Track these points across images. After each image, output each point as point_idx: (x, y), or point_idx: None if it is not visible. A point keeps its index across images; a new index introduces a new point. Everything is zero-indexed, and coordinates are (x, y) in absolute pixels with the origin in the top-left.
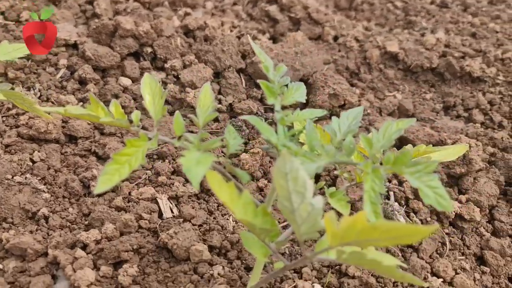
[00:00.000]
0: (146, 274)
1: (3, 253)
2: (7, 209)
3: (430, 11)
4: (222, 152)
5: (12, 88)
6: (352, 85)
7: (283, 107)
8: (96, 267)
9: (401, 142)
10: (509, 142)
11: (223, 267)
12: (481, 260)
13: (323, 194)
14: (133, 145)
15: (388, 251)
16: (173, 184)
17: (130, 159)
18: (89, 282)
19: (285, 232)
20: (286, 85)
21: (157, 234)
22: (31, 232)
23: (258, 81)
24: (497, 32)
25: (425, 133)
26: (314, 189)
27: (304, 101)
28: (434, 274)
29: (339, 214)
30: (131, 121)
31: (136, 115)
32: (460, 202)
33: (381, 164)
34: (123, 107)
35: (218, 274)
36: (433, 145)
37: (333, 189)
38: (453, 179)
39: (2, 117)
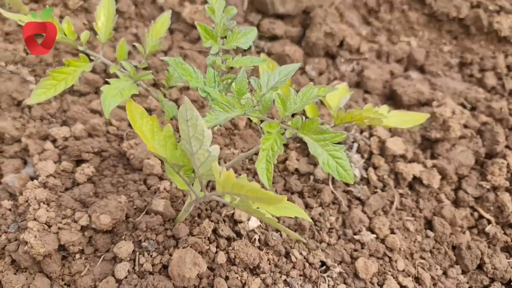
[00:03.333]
0: (103, 176)
1: None
2: None
3: None
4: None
5: None
6: (367, 23)
7: (226, 51)
8: (59, 161)
9: (391, 95)
10: (506, 114)
11: (170, 183)
12: (430, 224)
13: None
14: (73, 64)
15: (335, 198)
16: (148, 97)
17: (67, 78)
18: (48, 173)
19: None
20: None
21: (122, 140)
22: (14, 118)
23: (196, 23)
24: None
25: (415, 90)
26: (211, 137)
27: (246, 48)
28: (370, 229)
29: None
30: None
31: (84, 35)
32: (425, 166)
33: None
34: (121, 12)
35: (164, 188)
36: (420, 104)
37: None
38: (428, 142)
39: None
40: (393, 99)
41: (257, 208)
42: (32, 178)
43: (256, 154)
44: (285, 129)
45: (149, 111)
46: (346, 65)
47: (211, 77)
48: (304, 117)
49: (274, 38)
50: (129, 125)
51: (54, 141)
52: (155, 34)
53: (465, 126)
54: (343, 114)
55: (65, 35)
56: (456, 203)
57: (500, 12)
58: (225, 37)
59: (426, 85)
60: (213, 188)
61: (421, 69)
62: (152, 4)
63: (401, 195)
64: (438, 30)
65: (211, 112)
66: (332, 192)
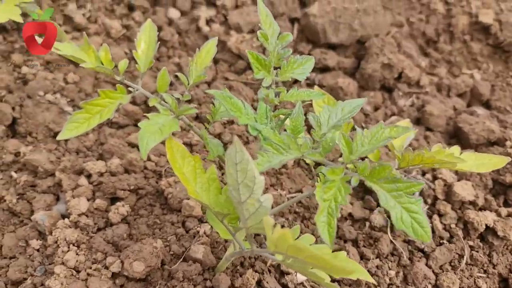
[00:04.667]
0: (138, 215)
1: (21, 164)
2: (33, 125)
3: None
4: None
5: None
6: (425, 54)
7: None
8: (93, 198)
9: (455, 133)
10: None
11: (211, 226)
12: (505, 282)
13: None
14: (108, 96)
15: (395, 249)
16: (189, 131)
17: (102, 111)
18: (80, 212)
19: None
20: (286, 58)
21: (160, 177)
22: (49, 150)
23: (247, 51)
24: None
25: (484, 128)
26: (263, 185)
27: (303, 80)
28: (436, 287)
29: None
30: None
31: (123, 63)
32: (499, 215)
33: (356, 172)
34: (164, 41)
35: (204, 232)
36: (489, 143)
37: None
38: (501, 187)
39: None
40: (457, 137)
41: (313, 269)
42: (63, 216)
43: (308, 197)
44: (350, 176)
45: (190, 146)
46: (404, 99)
47: (263, 113)
48: (369, 161)
49: (325, 69)
50: (168, 161)
51: (88, 176)
52: (199, 63)
53: None
54: (411, 155)
55: (102, 63)
56: None
57: None
58: (279, 67)
59: (495, 123)
60: (257, 235)
61: (487, 105)
62: (197, 32)
63: (472, 247)
64: (505, 62)
65: (263, 153)
66: (391, 242)
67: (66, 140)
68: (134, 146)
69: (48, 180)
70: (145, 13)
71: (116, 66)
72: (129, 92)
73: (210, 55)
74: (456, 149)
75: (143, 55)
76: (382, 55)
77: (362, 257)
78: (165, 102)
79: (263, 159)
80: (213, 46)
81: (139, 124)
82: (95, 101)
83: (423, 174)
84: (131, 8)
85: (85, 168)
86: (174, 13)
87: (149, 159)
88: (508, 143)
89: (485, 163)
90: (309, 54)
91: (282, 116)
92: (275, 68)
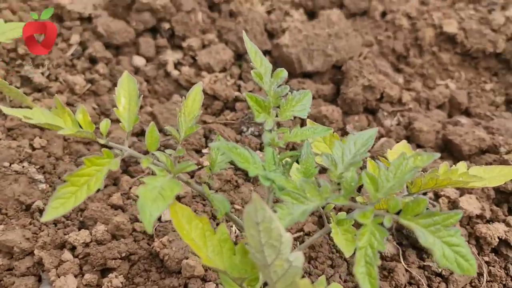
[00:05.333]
0: (134, 284)
1: None
2: (1, 200)
3: None
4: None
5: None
6: (398, 70)
7: (278, 124)
8: (81, 274)
9: (445, 146)
10: None
11: (216, 284)
12: None
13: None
14: (94, 163)
15: (411, 277)
16: None
17: (90, 180)
18: None
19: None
20: (285, 96)
21: (152, 238)
22: (23, 226)
23: (245, 94)
24: None
25: (475, 137)
26: (291, 243)
27: (305, 117)
28: None
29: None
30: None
31: (105, 125)
32: (508, 224)
33: (387, 211)
34: None
35: None
36: (482, 152)
37: (343, 214)
38: (503, 195)
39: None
40: (448, 150)
41: None
42: None
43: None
44: (382, 216)
45: (178, 198)
46: (390, 119)
47: (270, 159)
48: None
49: None
50: (159, 219)
51: (72, 249)
52: (188, 113)
53: None
54: (423, 180)
55: (81, 127)
56: None
57: None
58: (278, 106)
59: (482, 130)
60: None
61: (466, 113)
62: (166, 78)
63: (487, 263)
64: (475, 68)
65: (282, 206)
66: (407, 270)
67: (40, 211)
68: (117, 208)
69: (26, 260)
70: (109, 64)
71: (97, 128)
72: (116, 155)
73: (197, 102)
74: (462, 165)
75: (125, 111)
76: (362, 77)
77: None
78: (159, 161)
79: (283, 212)
80: (199, 92)
81: (136, 192)
82: (80, 171)
83: (424, 193)
84: (93, 60)
85: (67, 241)
86: (139, 61)
87: (136, 219)
88: (502, 149)
89: (495, 176)
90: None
91: (288, 159)
92: (275, 108)
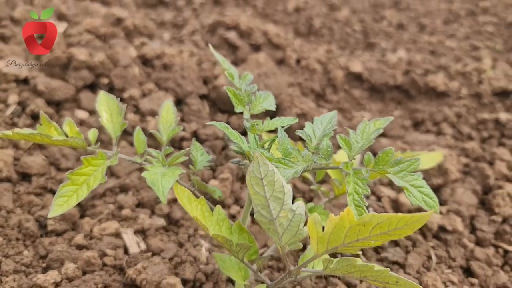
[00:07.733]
0: None
1: None
2: None
3: (388, 33)
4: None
5: None
6: (319, 106)
7: (252, 116)
8: None
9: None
10: (480, 152)
11: None
12: (468, 272)
13: None
14: (91, 163)
15: None
16: (138, 217)
17: (89, 179)
18: None
19: (268, 250)
20: (254, 93)
21: (124, 271)
22: None
23: (225, 87)
24: (454, 49)
25: (398, 148)
26: (292, 193)
27: (274, 109)
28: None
29: None
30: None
31: (93, 133)
32: (441, 213)
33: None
34: None
35: None
36: None
37: (311, 204)
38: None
39: None
40: None
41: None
42: None
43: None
44: (360, 168)
45: None
46: None
47: (254, 142)
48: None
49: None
50: (125, 251)
51: None
52: (165, 122)
53: (458, 170)
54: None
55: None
56: (479, 243)
57: (428, 74)
58: (249, 102)
59: (400, 143)
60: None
61: (384, 136)
62: None
63: (432, 247)
64: (382, 100)
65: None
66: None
67: None
68: (82, 247)
69: None
70: (52, 119)
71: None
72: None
73: (171, 113)
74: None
75: (109, 122)
76: (294, 107)
77: (349, 286)
78: (152, 157)
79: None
80: (171, 105)
81: (143, 174)
82: (79, 170)
83: (367, 197)
84: (35, 117)
85: (36, 283)
86: (82, 114)
87: (105, 254)
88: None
89: (427, 160)
90: (227, 122)
91: (266, 144)
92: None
